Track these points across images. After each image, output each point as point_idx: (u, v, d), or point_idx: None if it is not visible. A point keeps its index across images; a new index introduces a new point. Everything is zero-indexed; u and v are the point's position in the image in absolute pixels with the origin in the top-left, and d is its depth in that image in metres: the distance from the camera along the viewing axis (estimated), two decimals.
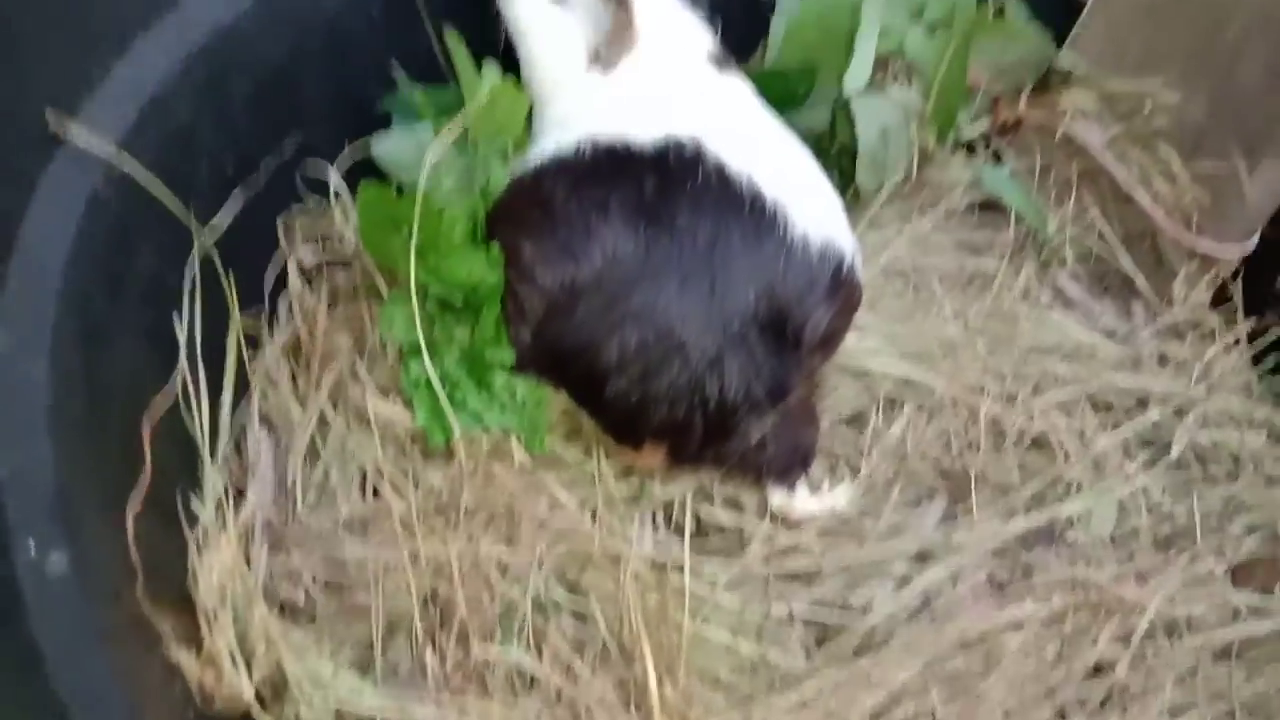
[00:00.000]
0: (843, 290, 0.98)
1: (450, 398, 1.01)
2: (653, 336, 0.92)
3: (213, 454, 0.91)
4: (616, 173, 0.95)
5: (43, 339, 0.75)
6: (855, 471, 1.09)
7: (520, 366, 1.02)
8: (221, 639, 0.76)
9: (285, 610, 0.93)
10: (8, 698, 0.56)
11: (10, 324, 0.73)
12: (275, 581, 0.94)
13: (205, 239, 0.92)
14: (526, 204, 0.98)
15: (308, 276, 1.13)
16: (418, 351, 0.99)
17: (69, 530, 0.65)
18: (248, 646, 0.78)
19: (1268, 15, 1.16)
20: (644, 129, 0.96)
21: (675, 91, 1.03)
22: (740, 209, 0.93)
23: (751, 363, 0.94)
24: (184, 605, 0.78)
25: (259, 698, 0.79)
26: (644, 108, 1.00)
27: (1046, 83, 1.36)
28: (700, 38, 1.08)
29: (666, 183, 0.93)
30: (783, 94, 1.22)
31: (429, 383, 0.99)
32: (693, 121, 0.97)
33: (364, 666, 0.90)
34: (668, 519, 1.05)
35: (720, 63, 1.08)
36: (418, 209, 0.94)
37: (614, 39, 1.02)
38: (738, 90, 1.08)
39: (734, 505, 1.06)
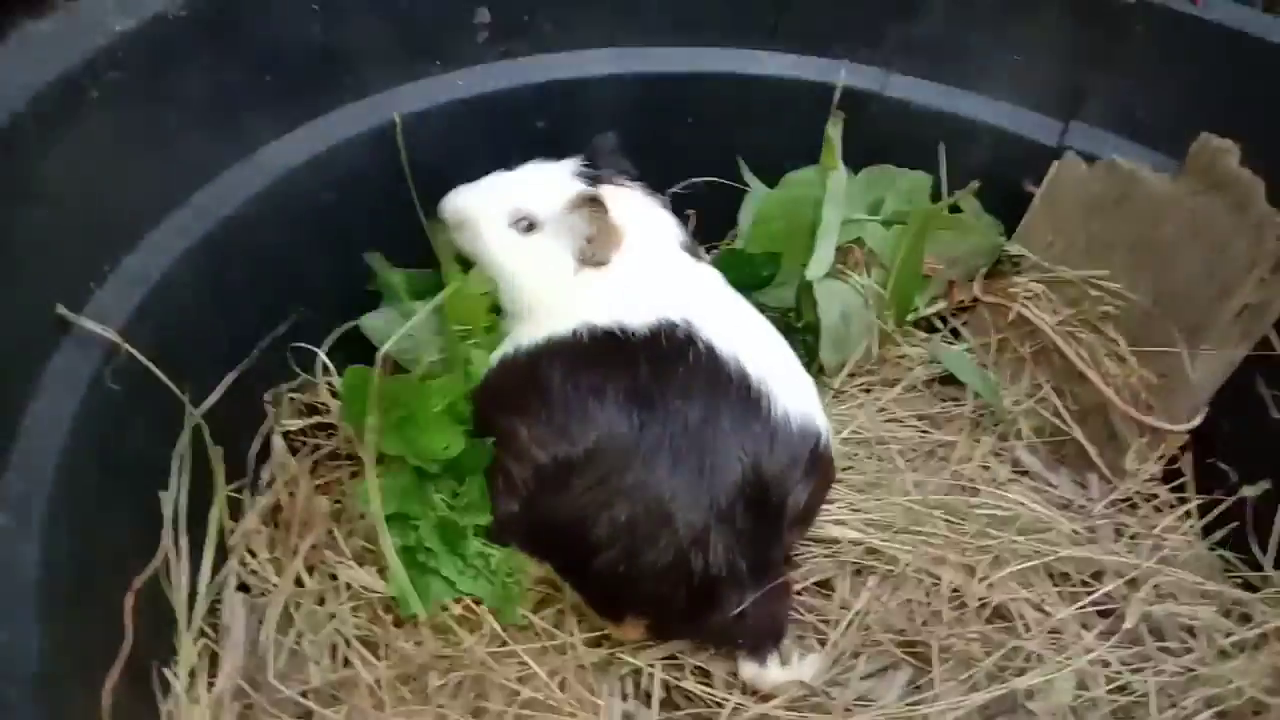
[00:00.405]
0: (820, 466, 1.04)
1: (423, 565, 1.04)
2: (643, 512, 0.96)
3: (189, 623, 0.94)
4: (613, 357, 1.00)
5: (37, 519, 0.78)
6: (822, 640, 1.12)
7: (503, 537, 1.06)
8: None
9: None
10: None
11: (7, 506, 0.77)
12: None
13: (197, 417, 0.97)
14: (523, 387, 1.03)
15: (292, 445, 1.17)
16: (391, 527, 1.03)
17: (49, 711, 0.68)
18: None
19: (1196, 219, 1.25)
20: (636, 314, 1.02)
21: (660, 279, 1.10)
22: (729, 389, 0.99)
23: (736, 538, 0.98)
24: None
25: None
26: (634, 294, 1.06)
27: (999, 268, 1.45)
28: (672, 229, 1.16)
29: (660, 366, 0.98)
30: (750, 276, 1.31)
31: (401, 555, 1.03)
32: (680, 306, 1.03)
33: None
34: (636, 686, 1.07)
35: (692, 252, 1.16)
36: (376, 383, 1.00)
37: (601, 242, 1.09)
38: (712, 276, 1.15)
39: (703, 674, 1.08)
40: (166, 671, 0.89)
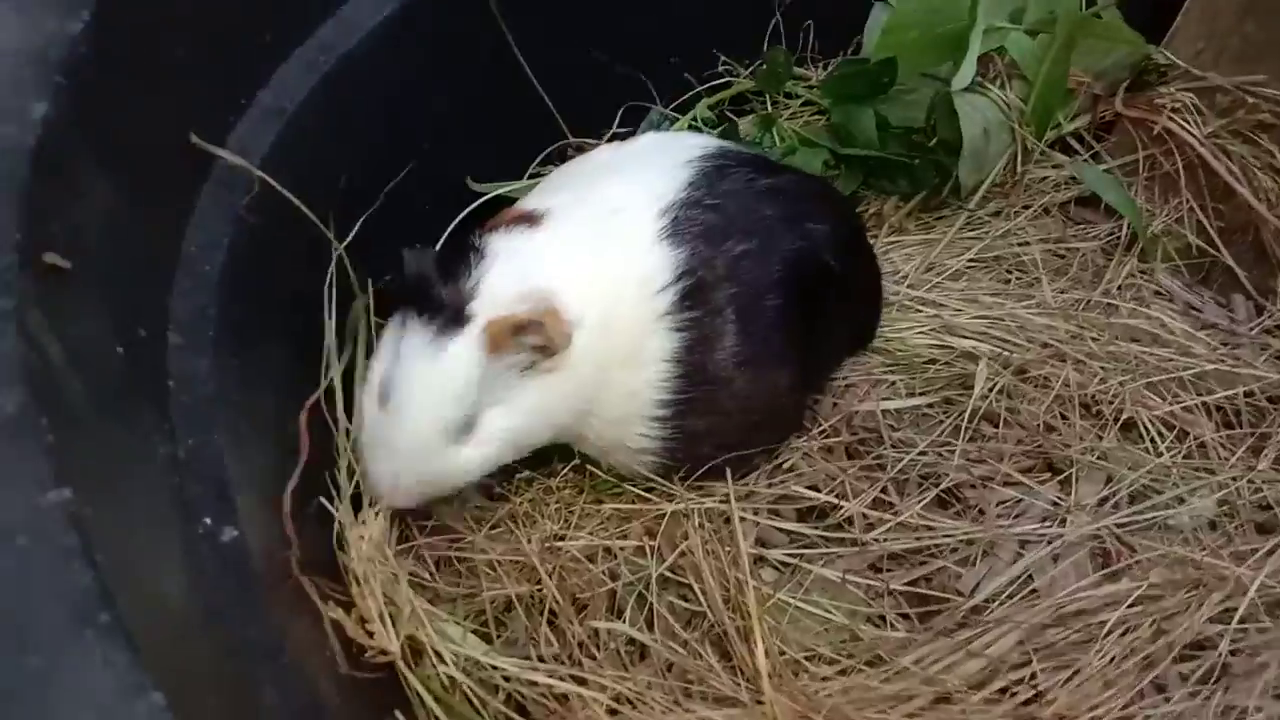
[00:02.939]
0: None
1: None
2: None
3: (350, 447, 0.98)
4: (704, 286, 0.95)
5: (205, 339, 0.83)
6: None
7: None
8: (373, 602, 0.83)
9: (412, 587, 1.00)
10: (199, 643, 0.63)
11: (179, 325, 0.82)
12: (405, 560, 1.00)
13: (339, 250, 0.99)
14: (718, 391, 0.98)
15: None
16: None
17: (237, 507, 0.73)
18: (392, 611, 0.85)
19: None
20: (664, 253, 0.95)
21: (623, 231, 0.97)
22: (764, 168, 1.04)
23: None
24: (332, 573, 0.86)
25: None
26: (626, 262, 0.95)
27: (1144, 80, 1.37)
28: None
29: (738, 232, 0.97)
30: (866, 86, 1.27)
31: None
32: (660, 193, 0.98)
33: (485, 640, 0.96)
34: (772, 508, 1.09)
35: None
36: None
37: (555, 339, 0.89)
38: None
39: (840, 496, 1.09)
40: (337, 483, 0.94)
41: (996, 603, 1.00)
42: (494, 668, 0.87)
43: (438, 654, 0.86)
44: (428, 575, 1.01)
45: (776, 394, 1.01)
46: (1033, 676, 0.94)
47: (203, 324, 0.83)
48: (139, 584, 0.57)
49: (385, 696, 0.86)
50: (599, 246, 0.94)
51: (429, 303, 0.87)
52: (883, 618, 1.01)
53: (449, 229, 1.16)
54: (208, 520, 0.71)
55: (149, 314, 0.80)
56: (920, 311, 1.22)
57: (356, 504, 0.94)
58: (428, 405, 0.87)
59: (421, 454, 0.88)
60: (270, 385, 0.90)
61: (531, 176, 1.26)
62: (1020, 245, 1.32)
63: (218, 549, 0.70)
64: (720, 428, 1.00)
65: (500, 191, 1.20)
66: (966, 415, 1.13)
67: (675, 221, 0.95)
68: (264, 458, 0.82)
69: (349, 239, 1.00)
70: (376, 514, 0.89)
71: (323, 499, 0.90)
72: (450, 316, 0.87)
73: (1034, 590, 1.01)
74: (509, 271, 0.90)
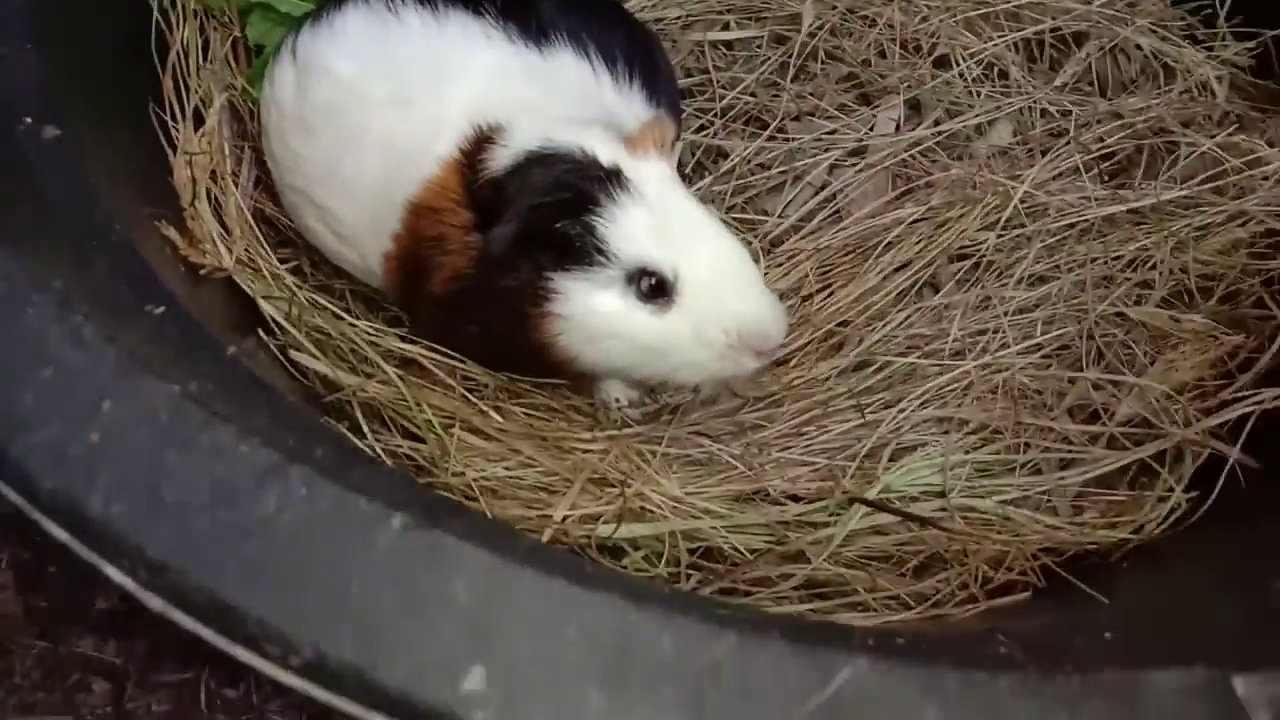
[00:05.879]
0: None
1: None
2: None
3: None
4: None
5: None
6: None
7: None
8: (200, 224, 0.88)
9: None
10: (27, 233, 0.68)
11: None
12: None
13: None
14: None
15: None
16: None
17: (57, 109, 0.75)
18: (226, 225, 0.90)
19: None
20: None
21: None
22: None
23: None
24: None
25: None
26: None
27: None
28: None
29: None
30: None
31: None
32: None
33: None
34: None
35: None
36: None
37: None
38: None
39: None
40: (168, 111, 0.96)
41: (806, 226, 1.11)
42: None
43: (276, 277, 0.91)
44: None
45: None
46: (826, 289, 1.06)
47: None
48: None
49: (239, 313, 0.92)
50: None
51: (592, 195, 0.81)
52: None
53: None
54: (28, 119, 0.74)
55: None
56: None
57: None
58: (714, 228, 0.85)
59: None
60: (91, 10, 0.89)
61: None
62: None
63: (41, 145, 0.73)
64: None
65: None
66: (794, 52, 1.18)
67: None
68: (87, 62, 0.83)
69: None
70: (201, 138, 0.91)
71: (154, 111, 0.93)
72: (608, 175, 0.82)
73: (837, 212, 1.12)
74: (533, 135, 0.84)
